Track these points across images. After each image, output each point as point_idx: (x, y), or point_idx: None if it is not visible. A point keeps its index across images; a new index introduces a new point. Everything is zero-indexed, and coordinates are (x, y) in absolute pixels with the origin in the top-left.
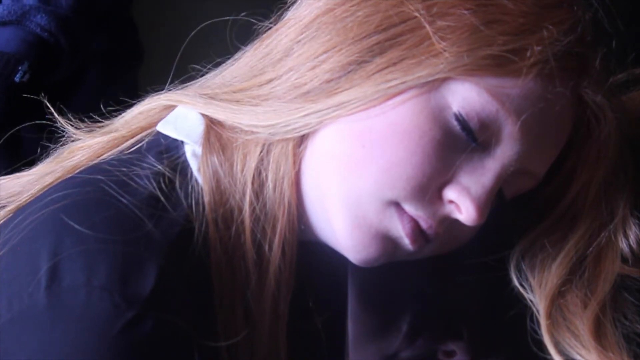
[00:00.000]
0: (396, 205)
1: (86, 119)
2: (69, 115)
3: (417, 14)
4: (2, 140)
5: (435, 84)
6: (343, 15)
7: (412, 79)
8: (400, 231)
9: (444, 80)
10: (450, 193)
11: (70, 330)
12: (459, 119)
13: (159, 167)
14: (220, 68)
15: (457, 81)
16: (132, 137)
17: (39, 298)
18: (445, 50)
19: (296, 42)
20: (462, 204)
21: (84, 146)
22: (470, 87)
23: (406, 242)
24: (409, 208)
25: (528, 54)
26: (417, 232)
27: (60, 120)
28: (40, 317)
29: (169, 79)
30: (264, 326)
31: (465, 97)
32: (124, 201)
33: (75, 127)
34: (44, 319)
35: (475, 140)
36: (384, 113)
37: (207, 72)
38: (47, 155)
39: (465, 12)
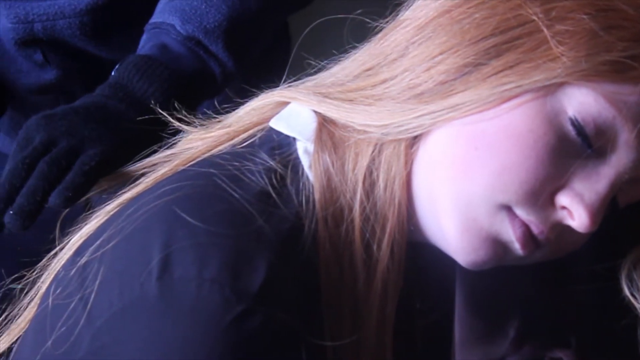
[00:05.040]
0: (508, 209)
1: (201, 115)
2: (184, 112)
3: (535, 18)
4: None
5: (551, 89)
6: (460, 17)
7: (529, 83)
8: (511, 235)
9: (561, 84)
10: (563, 199)
11: (179, 322)
12: (575, 124)
13: (271, 163)
14: (333, 66)
15: (573, 86)
16: (245, 132)
17: (150, 289)
18: (563, 55)
19: (412, 42)
20: (575, 211)
21: (197, 139)
22: (587, 93)
23: (516, 246)
24: (521, 212)
25: None
26: (528, 237)
27: (169, 118)
28: (150, 307)
29: (284, 76)
30: (371, 326)
31: (581, 102)
32: (236, 196)
33: (190, 124)
34: (154, 309)
35: (590, 146)
36: (498, 116)
37: (322, 69)
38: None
39: (585, 16)
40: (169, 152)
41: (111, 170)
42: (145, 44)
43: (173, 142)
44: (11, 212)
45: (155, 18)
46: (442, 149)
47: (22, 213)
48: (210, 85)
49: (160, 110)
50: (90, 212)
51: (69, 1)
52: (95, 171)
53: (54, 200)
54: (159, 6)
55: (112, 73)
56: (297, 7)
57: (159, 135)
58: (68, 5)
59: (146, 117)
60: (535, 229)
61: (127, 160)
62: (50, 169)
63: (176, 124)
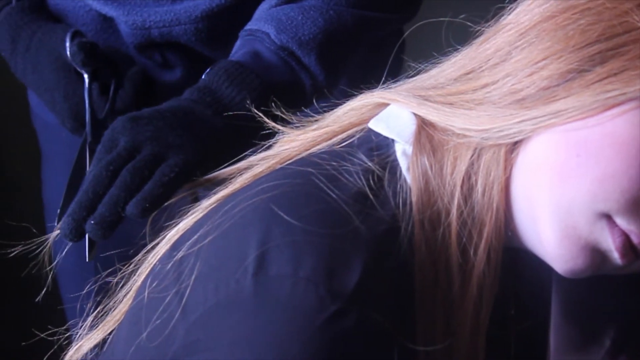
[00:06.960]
0: (608, 217)
1: (299, 113)
2: (282, 108)
3: None
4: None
5: None
6: (565, 22)
7: (633, 91)
8: (610, 244)
9: None
10: None
11: (274, 319)
12: None
13: (369, 164)
14: (432, 69)
15: None
16: (343, 132)
17: (246, 285)
18: None
19: (514, 47)
20: None
21: (293, 139)
22: None
23: (615, 256)
24: (621, 221)
25: None
26: (628, 246)
27: (265, 119)
28: (245, 304)
29: (383, 76)
30: (464, 331)
31: None
32: (333, 195)
33: (287, 123)
34: (249, 306)
35: None
36: (601, 124)
37: (420, 71)
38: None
39: None
40: (264, 154)
41: (195, 177)
42: (238, 50)
43: (268, 144)
44: (92, 221)
45: (251, 25)
46: (542, 155)
47: (103, 223)
48: (298, 97)
49: (256, 111)
50: (193, 205)
51: (184, 8)
52: (175, 182)
53: (131, 210)
54: (257, 13)
55: (203, 76)
56: (395, 24)
57: (246, 142)
58: (184, 13)
59: (237, 122)
60: (635, 239)
61: (212, 167)
62: (133, 179)
63: (272, 124)
